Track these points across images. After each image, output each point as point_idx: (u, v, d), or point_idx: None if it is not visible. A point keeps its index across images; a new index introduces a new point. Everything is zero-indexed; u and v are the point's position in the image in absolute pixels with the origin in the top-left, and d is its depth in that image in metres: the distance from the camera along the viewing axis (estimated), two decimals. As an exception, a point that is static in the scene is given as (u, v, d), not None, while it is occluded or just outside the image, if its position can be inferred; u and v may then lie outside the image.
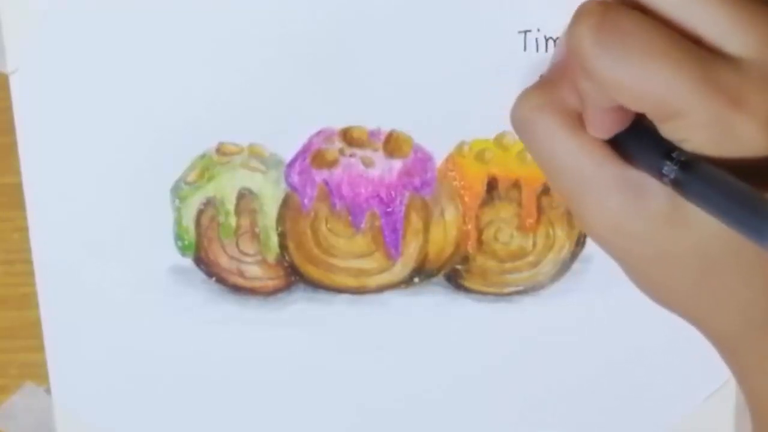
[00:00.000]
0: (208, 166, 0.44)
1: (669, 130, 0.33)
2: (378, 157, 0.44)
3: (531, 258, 0.46)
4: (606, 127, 0.35)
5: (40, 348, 0.47)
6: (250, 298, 0.46)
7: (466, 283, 0.46)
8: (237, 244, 0.46)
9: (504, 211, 0.45)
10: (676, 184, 0.33)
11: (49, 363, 0.47)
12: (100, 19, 0.42)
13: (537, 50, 0.42)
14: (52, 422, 0.48)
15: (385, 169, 0.44)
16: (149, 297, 0.46)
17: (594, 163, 0.36)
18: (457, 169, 0.44)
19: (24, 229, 0.45)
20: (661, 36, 0.32)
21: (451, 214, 0.45)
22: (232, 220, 0.45)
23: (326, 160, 0.44)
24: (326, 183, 0.45)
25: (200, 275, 0.46)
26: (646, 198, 0.35)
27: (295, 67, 0.43)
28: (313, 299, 0.46)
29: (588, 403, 0.48)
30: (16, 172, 0.44)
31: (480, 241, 0.45)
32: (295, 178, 0.44)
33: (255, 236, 0.45)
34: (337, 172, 0.44)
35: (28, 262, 0.45)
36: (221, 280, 0.46)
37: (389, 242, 0.45)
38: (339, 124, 0.44)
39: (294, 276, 0.46)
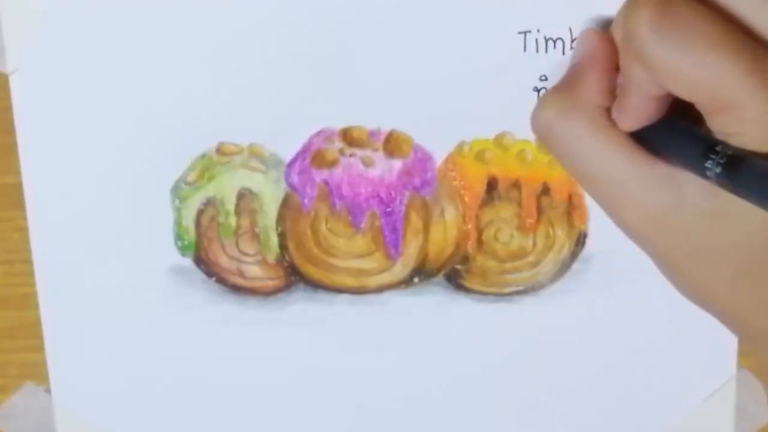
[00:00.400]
0: (208, 166, 0.44)
1: (719, 123, 0.33)
2: (378, 157, 0.44)
3: (531, 258, 0.46)
4: (643, 117, 0.35)
5: (40, 348, 0.47)
6: (250, 298, 0.46)
7: (466, 283, 0.46)
8: (237, 244, 0.46)
9: (504, 211, 0.45)
10: (722, 179, 0.33)
11: (49, 363, 0.47)
12: (100, 19, 0.42)
13: (537, 50, 0.42)
14: (52, 422, 0.48)
15: (385, 169, 0.44)
16: (149, 297, 0.46)
17: (627, 160, 0.36)
18: (457, 169, 0.44)
19: (24, 229, 0.45)
20: (720, 27, 0.33)
21: (451, 214, 0.45)
22: (232, 220, 0.45)
23: (326, 160, 0.44)
24: (326, 183, 0.45)
25: (200, 275, 0.46)
26: (683, 192, 0.35)
27: (295, 67, 0.43)
28: (313, 299, 0.46)
29: (588, 403, 0.48)
30: (16, 172, 0.44)
31: (480, 241, 0.45)
32: (295, 178, 0.44)
33: (255, 236, 0.45)
34: (337, 172, 0.44)
35: (28, 262, 0.45)
36: (221, 280, 0.46)
37: (389, 242, 0.45)
38: (339, 124, 0.44)
39: (294, 276, 0.46)
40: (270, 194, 0.45)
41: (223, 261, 0.46)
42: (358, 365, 0.47)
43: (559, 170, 0.43)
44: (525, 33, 0.42)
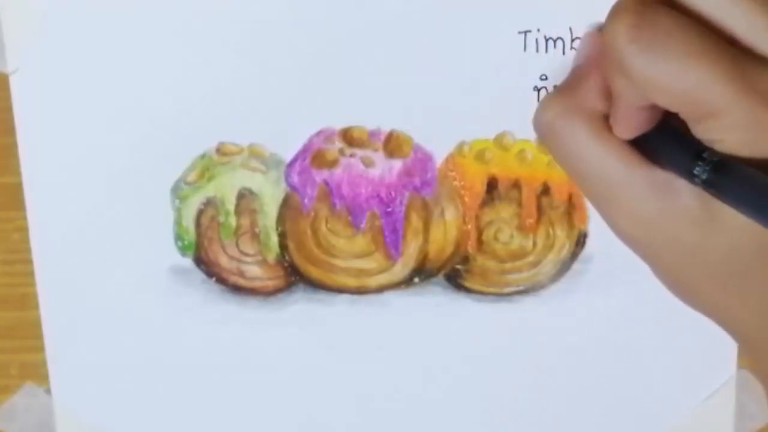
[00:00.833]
0: (208, 166, 0.44)
1: (703, 131, 0.33)
2: (378, 157, 0.44)
3: (531, 258, 0.46)
4: (635, 126, 0.35)
5: (40, 348, 0.47)
6: (250, 298, 0.46)
7: (466, 283, 0.46)
8: (237, 244, 0.46)
9: (504, 211, 0.45)
10: (708, 185, 0.33)
11: (49, 363, 0.47)
12: (100, 19, 0.42)
13: (537, 50, 0.42)
14: (52, 422, 0.48)
15: (385, 169, 0.44)
16: (149, 297, 0.46)
17: (622, 165, 0.36)
18: (457, 169, 0.44)
19: (24, 229, 0.45)
20: (698, 35, 0.32)
21: (451, 214, 0.45)
22: (232, 220, 0.45)
23: (326, 160, 0.44)
24: (326, 183, 0.45)
25: (200, 275, 0.46)
26: (676, 198, 0.35)
27: (295, 67, 0.43)
28: (313, 299, 0.46)
29: (588, 402, 0.48)
30: (16, 172, 0.44)
31: (480, 241, 0.45)
32: (295, 178, 0.44)
33: (255, 236, 0.45)
34: (337, 172, 0.44)
35: (28, 262, 0.45)
36: (221, 280, 0.46)
37: (389, 242, 0.45)
38: (339, 124, 0.44)
39: (294, 276, 0.46)
40: (270, 194, 0.45)
41: (223, 261, 0.46)
42: (358, 365, 0.47)
43: (560, 170, 0.43)
44: (525, 33, 0.42)
